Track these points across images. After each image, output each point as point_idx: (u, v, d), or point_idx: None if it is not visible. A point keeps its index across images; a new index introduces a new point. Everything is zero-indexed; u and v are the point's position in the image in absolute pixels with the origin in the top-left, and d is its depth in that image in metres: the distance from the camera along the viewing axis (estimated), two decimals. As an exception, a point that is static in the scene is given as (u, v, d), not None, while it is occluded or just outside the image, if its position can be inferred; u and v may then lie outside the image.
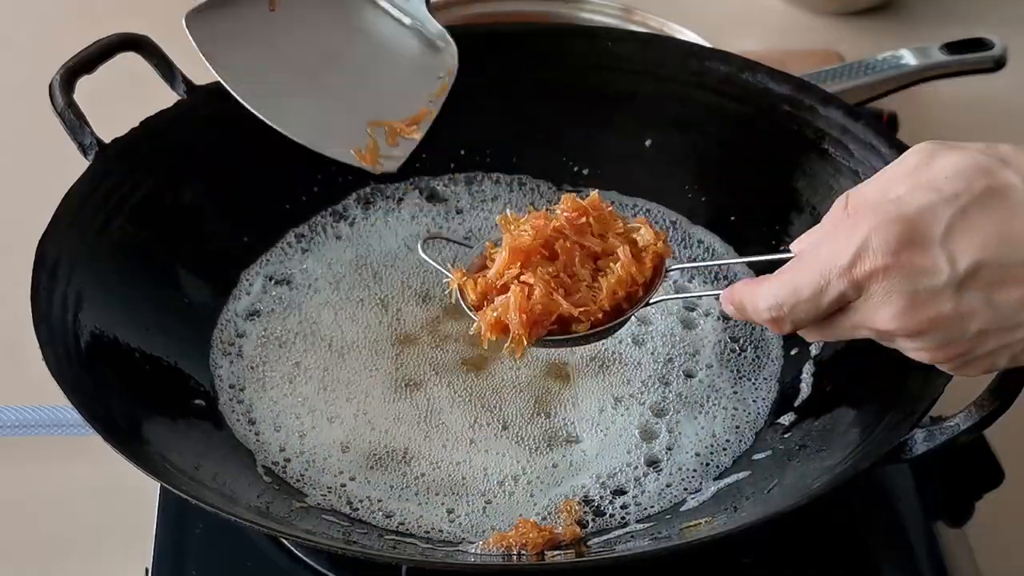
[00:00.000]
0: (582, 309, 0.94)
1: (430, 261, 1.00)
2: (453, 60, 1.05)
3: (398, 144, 1.00)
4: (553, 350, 1.04)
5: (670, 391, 1.05)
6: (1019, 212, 0.78)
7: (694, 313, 1.10)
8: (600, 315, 0.95)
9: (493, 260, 0.97)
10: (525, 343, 0.94)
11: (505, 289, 0.95)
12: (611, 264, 0.96)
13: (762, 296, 0.85)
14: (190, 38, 0.98)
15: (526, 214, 0.98)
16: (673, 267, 0.99)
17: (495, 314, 0.94)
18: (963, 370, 0.84)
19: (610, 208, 0.98)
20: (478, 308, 0.96)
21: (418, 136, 1.00)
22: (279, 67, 1.01)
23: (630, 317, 0.97)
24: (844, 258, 0.80)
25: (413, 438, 1.02)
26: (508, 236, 0.97)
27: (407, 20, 1.07)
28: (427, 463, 1.01)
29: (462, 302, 0.97)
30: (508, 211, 1.01)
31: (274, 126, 0.97)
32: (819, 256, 0.82)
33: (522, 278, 0.95)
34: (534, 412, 1.03)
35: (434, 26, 1.07)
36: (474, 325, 0.96)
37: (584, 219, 0.97)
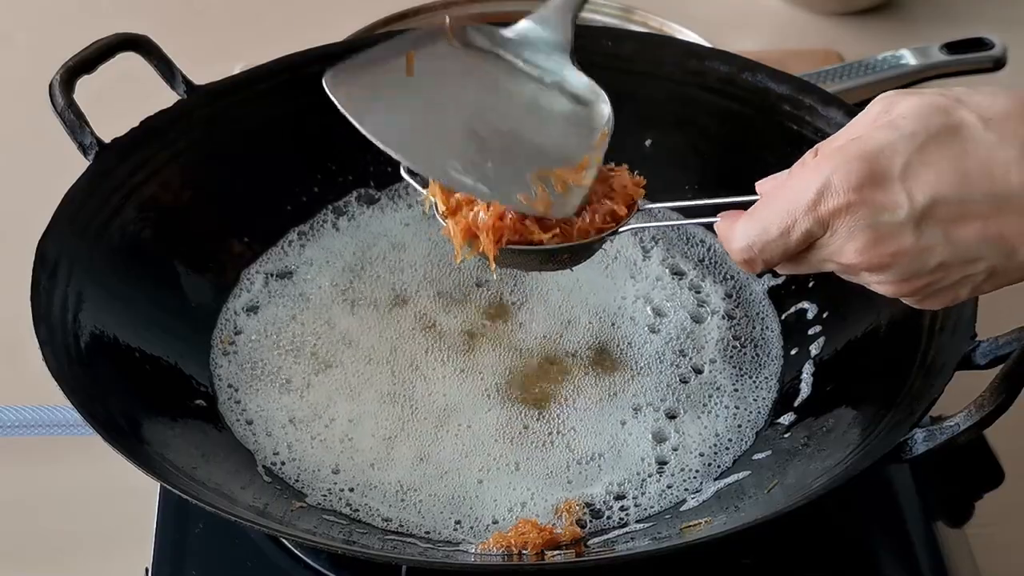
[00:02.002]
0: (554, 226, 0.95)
1: (411, 181, 0.99)
2: (607, 108, 1.02)
3: (568, 191, 0.97)
4: (526, 273, 1.07)
5: (682, 391, 1.05)
6: (972, 149, 0.80)
7: (703, 309, 1.10)
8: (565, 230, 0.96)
9: None
10: (493, 248, 0.94)
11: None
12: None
13: (736, 236, 0.87)
14: (333, 100, 0.96)
15: None
16: (646, 205, 0.99)
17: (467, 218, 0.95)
18: (927, 302, 0.85)
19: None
20: (450, 217, 0.96)
21: (588, 182, 0.97)
22: (427, 127, 0.99)
23: (600, 240, 0.96)
24: (808, 196, 0.82)
25: (408, 478, 1.00)
26: None
27: (548, 79, 1.04)
28: (427, 494, 0.99)
29: (436, 211, 0.97)
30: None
31: (439, 181, 0.96)
32: (785, 196, 0.84)
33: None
34: (549, 444, 1.02)
35: (579, 80, 1.03)
36: (442, 229, 0.96)
37: None
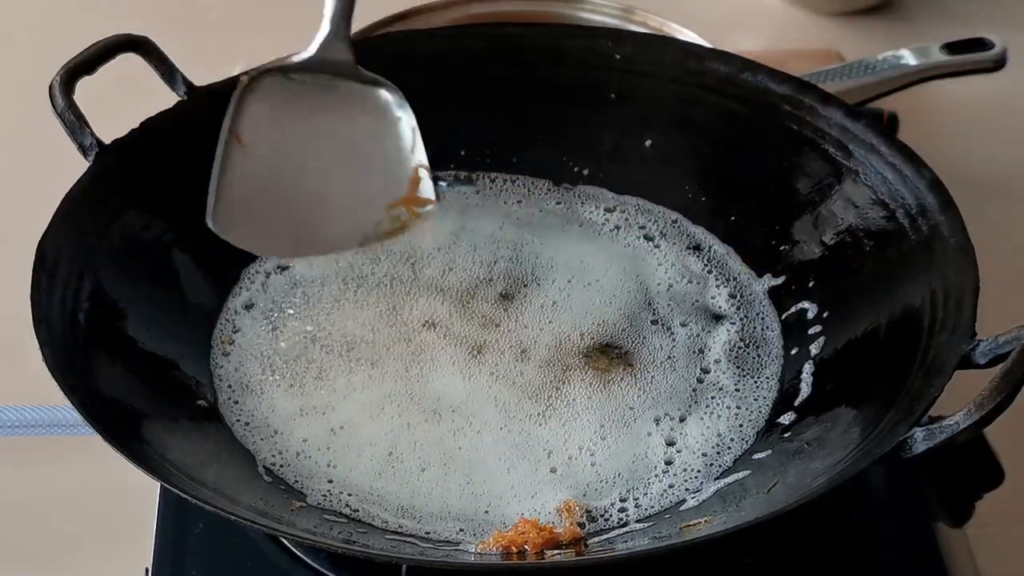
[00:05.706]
0: None
1: None
2: (399, 97, 1.10)
3: (419, 216, 1.09)
4: None
5: (694, 394, 1.05)
6: None
7: (712, 310, 1.10)
8: None
9: None
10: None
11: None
12: None
13: None
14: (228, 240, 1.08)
15: None
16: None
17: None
18: None
19: None
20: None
21: (432, 200, 1.08)
22: (284, 206, 1.09)
23: None
24: None
25: (409, 500, 0.99)
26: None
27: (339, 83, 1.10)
28: (427, 514, 0.98)
29: None
30: None
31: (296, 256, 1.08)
32: None
33: None
34: (579, 471, 1.00)
35: (362, 74, 1.10)
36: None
37: None
